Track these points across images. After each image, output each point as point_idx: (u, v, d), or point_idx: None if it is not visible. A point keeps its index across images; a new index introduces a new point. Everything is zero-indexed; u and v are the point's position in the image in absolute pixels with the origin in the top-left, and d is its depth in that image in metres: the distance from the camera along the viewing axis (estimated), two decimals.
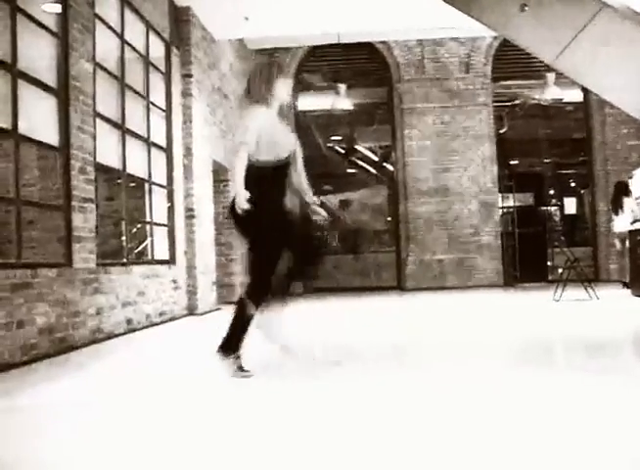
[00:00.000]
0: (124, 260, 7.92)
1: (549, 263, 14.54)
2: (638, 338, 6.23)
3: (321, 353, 5.65)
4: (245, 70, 13.39)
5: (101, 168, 7.34)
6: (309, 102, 15.18)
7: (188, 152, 9.88)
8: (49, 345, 5.76)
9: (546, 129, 15.25)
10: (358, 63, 14.95)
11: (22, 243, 5.65)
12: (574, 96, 14.63)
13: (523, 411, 3.31)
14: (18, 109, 5.61)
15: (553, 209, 15.98)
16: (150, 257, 8.84)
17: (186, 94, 9.92)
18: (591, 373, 4.32)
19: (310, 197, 4.74)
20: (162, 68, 9.51)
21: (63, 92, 6.43)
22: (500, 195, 14.79)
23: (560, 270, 10.64)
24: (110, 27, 7.72)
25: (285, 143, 4.51)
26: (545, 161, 15.50)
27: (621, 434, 2.86)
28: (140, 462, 2.74)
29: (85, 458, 2.81)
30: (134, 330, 7.54)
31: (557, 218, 15.93)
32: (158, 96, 9.27)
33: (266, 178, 4.36)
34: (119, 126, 7.86)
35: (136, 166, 8.37)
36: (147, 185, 8.86)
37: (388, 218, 15.44)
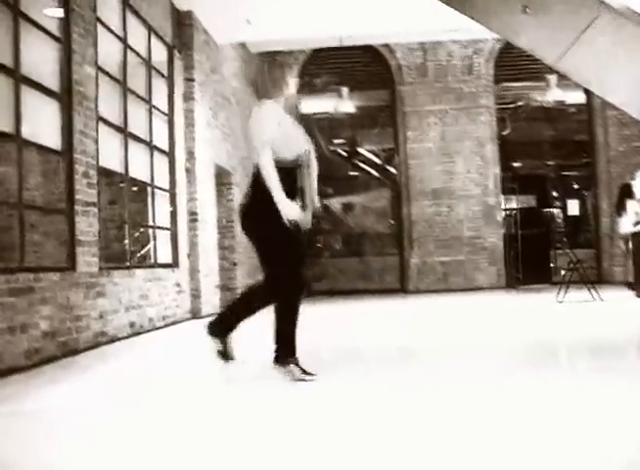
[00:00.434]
0: (127, 264, 7.93)
1: (552, 265, 14.52)
2: None
3: (326, 356, 5.65)
4: (247, 74, 13.40)
5: (104, 172, 7.35)
6: (312, 105, 15.18)
7: (190, 155, 9.89)
8: (52, 349, 5.77)
9: (549, 131, 15.24)
10: (361, 66, 14.96)
11: (26, 247, 5.66)
12: (577, 98, 14.62)
13: (527, 413, 3.30)
14: (20, 113, 5.62)
15: (556, 210, 15.96)
16: (153, 260, 8.85)
17: (188, 98, 9.93)
18: (595, 375, 4.31)
19: (316, 201, 4.58)
20: (165, 71, 9.52)
21: (65, 96, 6.44)
22: (503, 197, 14.78)
23: (563, 272, 10.61)
24: (112, 32, 7.73)
25: (300, 141, 4.37)
26: (548, 163, 15.48)
27: (627, 435, 2.85)
28: (144, 466, 2.73)
29: (89, 462, 2.81)
30: (137, 334, 7.54)
31: (560, 220, 15.90)
32: (160, 100, 9.28)
33: (284, 178, 4.14)
34: (122, 130, 7.87)
35: (139, 170, 8.38)
36: (149, 189, 8.86)
37: (392, 221, 15.43)
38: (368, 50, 14.61)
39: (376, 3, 10.15)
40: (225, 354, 4.31)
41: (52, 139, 6.32)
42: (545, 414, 3.28)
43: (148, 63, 8.89)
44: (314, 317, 9.87)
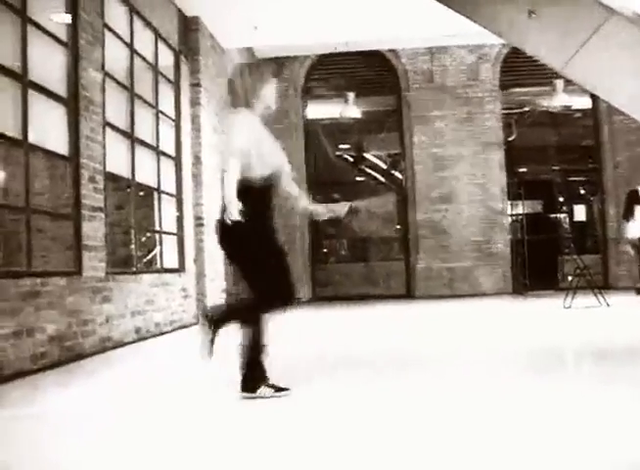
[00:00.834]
0: (134, 269, 7.95)
1: (559, 271, 14.47)
2: None
3: (330, 361, 5.64)
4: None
5: (110, 177, 7.37)
6: (318, 110, 15.20)
7: (197, 160, 9.91)
8: (59, 353, 5.77)
9: (555, 137, 15.21)
10: (367, 71, 14.97)
11: (33, 252, 5.68)
12: (583, 103, 14.59)
13: (533, 419, 3.29)
14: (28, 118, 5.64)
15: (562, 216, 15.92)
16: (159, 265, 8.86)
17: (195, 103, 9.96)
18: (602, 381, 4.29)
19: (305, 201, 4.36)
20: (171, 77, 9.55)
21: (72, 102, 6.46)
22: (509, 202, 14.75)
23: (569, 278, 10.58)
24: (119, 37, 7.76)
25: (274, 157, 4.11)
26: (554, 168, 15.44)
27: (633, 442, 2.84)
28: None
29: (95, 466, 2.81)
30: (144, 338, 7.55)
31: (566, 226, 15.87)
32: (167, 105, 9.31)
33: (257, 196, 3.95)
34: (129, 135, 7.89)
35: (145, 175, 8.40)
36: (156, 194, 8.88)
37: (398, 226, 15.42)
38: (374, 55, 14.61)
39: (382, 8, 10.16)
40: (279, 387, 4.07)
41: (59, 144, 6.34)
42: (551, 420, 3.27)
43: (155, 68, 8.92)
44: (319, 323, 9.87)
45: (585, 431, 3.05)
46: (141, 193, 8.68)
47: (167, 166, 9.22)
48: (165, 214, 9.06)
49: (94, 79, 6.83)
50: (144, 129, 8.37)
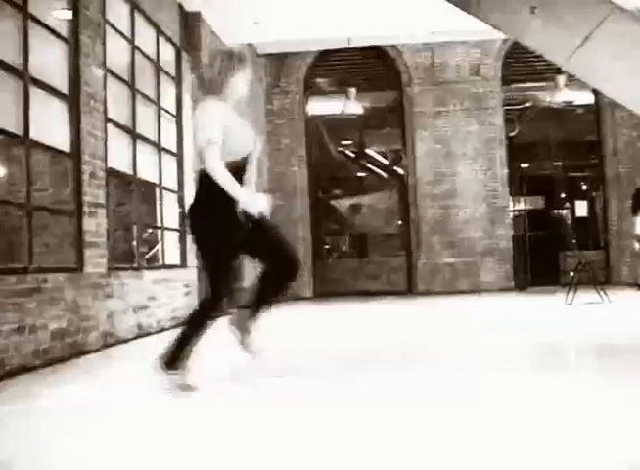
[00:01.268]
0: (136, 265, 7.94)
1: (561, 267, 14.46)
2: None
3: (332, 356, 5.64)
4: (255, 75, 13.40)
5: (112, 173, 7.37)
6: (319, 106, 15.19)
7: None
8: (61, 349, 5.78)
9: (557, 132, 15.17)
10: (368, 67, 14.94)
11: (34, 248, 5.68)
12: (585, 99, 14.57)
13: (535, 415, 3.29)
14: (29, 115, 5.64)
15: (564, 212, 15.90)
16: (161, 261, 8.86)
17: (197, 98, 9.94)
18: (604, 377, 4.29)
19: (245, 188, 4.17)
20: (173, 72, 9.54)
21: (74, 98, 6.46)
22: (511, 198, 14.73)
23: (571, 274, 10.57)
24: (120, 33, 7.75)
25: (246, 140, 4.14)
26: (556, 163, 15.42)
27: (635, 440, 2.84)
28: (151, 466, 2.74)
29: (98, 461, 2.81)
30: (145, 335, 7.56)
31: (568, 221, 15.85)
32: (168, 101, 9.30)
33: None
34: (130, 131, 7.89)
35: (147, 171, 8.40)
36: (158, 190, 8.88)
37: (399, 222, 15.41)
38: (376, 51, 14.59)
39: (383, 4, 10.15)
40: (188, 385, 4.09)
41: (60, 140, 6.34)
42: (552, 416, 3.27)
43: (156, 64, 8.91)
44: (321, 318, 9.88)
45: (587, 427, 3.05)
46: (142, 189, 8.67)
47: (169, 162, 9.21)
48: (167, 210, 9.06)
49: (95, 75, 6.83)
50: (145, 125, 8.36)
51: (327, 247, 15.72)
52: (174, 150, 9.40)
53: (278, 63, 14.64)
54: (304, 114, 14.95)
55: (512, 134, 15.01)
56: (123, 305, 7.12)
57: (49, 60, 6.25)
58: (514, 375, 4.52)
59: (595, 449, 2.70)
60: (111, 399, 4.14)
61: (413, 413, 3.45)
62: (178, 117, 9.56)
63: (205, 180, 4.03)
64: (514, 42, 12.82)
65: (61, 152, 6.41)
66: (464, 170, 14.42)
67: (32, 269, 5.52)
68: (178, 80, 9.65)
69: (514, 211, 14.94)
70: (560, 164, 15.39)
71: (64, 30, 6.46)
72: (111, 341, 6.73)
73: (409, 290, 14.53)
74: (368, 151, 15.76)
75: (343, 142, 15.91)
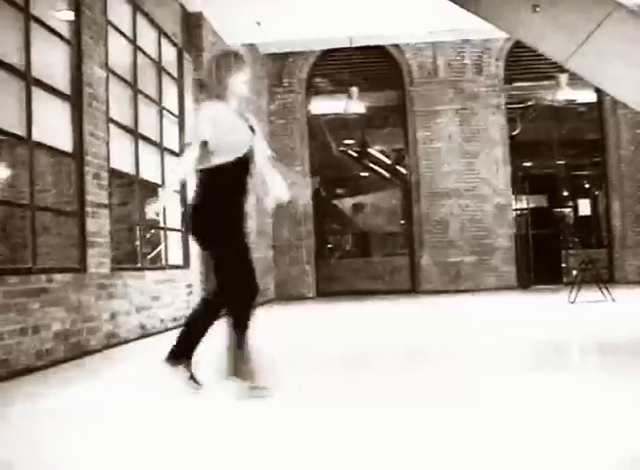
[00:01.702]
0: (139, 266, 7.95)
1: (564, 265, 14.45)
2: None
3: (334, 356, 5.64)
4: (257, 75, 13.42)
5: (114, 174, 7.38)
6: (321, 106, 15.19)
7: None
8: (64, 350, 5.79)
9: (559, 131, 15.15)
10: (370, 66, 14.93)
11: (37, 248, 5.69)
12: (588, 97, 14.54)
13: (538, 413, 3.29)
14: (32, 115, 5.65)
15: (567, 210, 15.89)
16: (164, 261, 8.87)
17: (198, 99, 9.95)
18: (607, 376, 4.29)
19: (282, 194, 4.25)
20: (175, 73, 9.55)
21: (76, 98, 6.47)
22: (514, 197, 14.72)
23: (574, 272, 10.56)
24: (122, 34, 7.76)
25: (241, 141, 4.09)
26: (559, 162, 15.40)
27: (637, 436, 2.84)
28: (153, 466, 2.74)
29: (101, 461, 2.82)
30: (149, 335, 7.57)
31: (571, 220, 15.84)
32: (170, 101, 9.31)
33: (225, 181, 4.04)
34: (132, 132, 7.89)
35: (149, 172, 8.41)
36: (160, 190, 8.88)
37: (402, 221, 15.41)
38: (378, 50, 14.59)
39: (385, 3, 10.14)
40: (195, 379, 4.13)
41: (63, 141, 6.35)
42: (556, 415, 3.27)
43: (158, 64, 8.92)
44: (324, 318, 9.88)
45: (590, 426, 3.05)
46: (145, 189, 8.67)
47: (171, 162, 9.21)
48: (170, 211, 9.06)
49: (97, 76, 6.84)
50: (148, 126, 8.37)
51: (330, 246, 15.72)
52: (176, 150, 9.40)
53: (280, 63, 14.64)
54: (307, 113, 14.96)
55: (514, 133, 14.99)
56: (126, 305, 7.13)
57: (51, 61, 6.26)
58: (517, 374, 4.52)
59: (599, 443, 2.70)
60: (114, 400, 4.15)
61: (418, 413, 3.45)
62: (180, 117, 9.56)
63: (204, 180, 4.08)
64: (516, 41, 12.83)
65: (63, 152, 6.42)
66: (466, 169, 14.41)
67: (36, 270, 5.53)
68: (180, 81, 9.66)
69: (517, 209, 14.93)
70: (562, 162, 15.38)
71: (66, 31, 6.47)
72: (114, 341, 6.74)
73: (412, 289, 14.52)
74: (370, 150, 15.75)
75: (346, 141, 15.91)
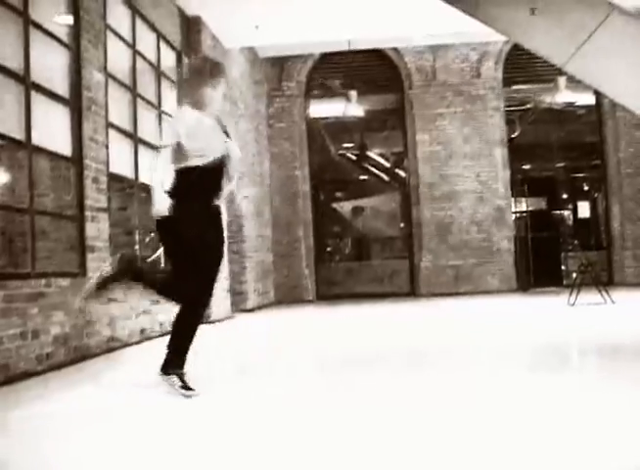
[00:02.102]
0: None
1: (563, 268, 14.46)
2: None
3: (335, 359, 5.64)
4: (256, 78, 13.45)
5: (114, 178, 7.38)
6: (320, 109, 15.20)
7: None
8: (64, 354, 5.78)
9: (558, 133, 15.18)
10: (369, 69, 14.96)
11: (37, 253, 5.69)
12: (586, 100, 14.57)
13: (538, 416, 3.29)
14: (31, 120, 5.65)
15: (566, 213, 15.91)
16: (163, 265, 8.85)
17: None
18: (607, 378, 4.29)
19: (220, 198, 4.41)
20: (174, 77, 9.56)
21: (75, 103, 6.47)
22: (513, 199, 14.74)
23: (574, 275, 10.56)
24: (121, 38, 7.76)
25: (213, 145, 4.20)
26: (558, 165, 15.43)
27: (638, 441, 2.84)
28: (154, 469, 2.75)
29: (100, 465, 2.81)
30: (148, 339, 7.56)
31: (570, 222, 15.85)
32: (169, 105, 9.31)
33: (196, 183, 4.16)
34: (132, 136, 7.90)
35: (149, 176, 8.39)
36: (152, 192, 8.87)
37: (401, 224, 15.42)
38: (376, 54, 14.62)
39: (384, 7, 10.15)
40: (188, 387, 4.17)
41: (62, 145, 6.35)
42: (555, 418, 3.27)
43: (157, 68, 8.93)
44: (324, 321, 9.86)
45: (589, 429, 3.05)
46: (144, 193, 8.67)
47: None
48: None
49: (96, 80, 6.84)
50: (147, 130, 8.37)
51: (329, 250, 15.72)
52: None
53: (279, 66, 14.66)
54: (305, 117, 14.97)
55: (513, 136, 15.02)
56: (126, 309, 7.12)
57: (50, 65, 6.26)
58: (517, 376, 4.52)
59: (599, 448, 2.70)
60: (114, 403, 4.15)
61: (418, 415, 3.45)
62: None
63: (177, 184, 4.19)
64: (514, 44, 12.84)
65: (62, 157, 6.42)
66: (466, 172, 14.43)
67: (35, 274, 5.53)
68: (179, 85, 9.66)
69: (516, 212, 14.94)
70: (561, 165, 15.40)
71: (65, 36, 6.47)
72: (114, 345, 6.73)
73: (412, 292, 14.53)
74: (369, 153, 15.77)
75: (345, 145, 15.93)
